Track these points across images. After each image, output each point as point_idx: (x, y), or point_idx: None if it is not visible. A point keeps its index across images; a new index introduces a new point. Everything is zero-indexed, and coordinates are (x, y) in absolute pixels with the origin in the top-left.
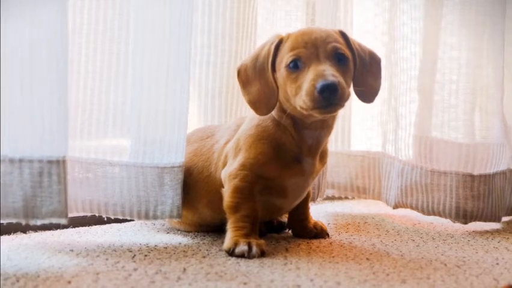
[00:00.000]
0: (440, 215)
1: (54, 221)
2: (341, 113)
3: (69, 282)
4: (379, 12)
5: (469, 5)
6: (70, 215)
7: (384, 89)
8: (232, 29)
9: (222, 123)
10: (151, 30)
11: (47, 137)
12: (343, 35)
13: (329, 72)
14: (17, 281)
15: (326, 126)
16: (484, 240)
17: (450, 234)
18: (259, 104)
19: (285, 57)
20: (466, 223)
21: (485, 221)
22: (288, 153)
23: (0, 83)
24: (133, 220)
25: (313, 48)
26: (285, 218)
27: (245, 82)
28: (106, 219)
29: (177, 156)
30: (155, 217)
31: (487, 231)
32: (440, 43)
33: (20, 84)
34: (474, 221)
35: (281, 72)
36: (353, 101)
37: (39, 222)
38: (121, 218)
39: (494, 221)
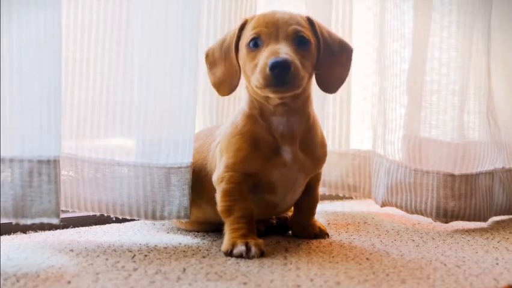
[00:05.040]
0: (422, 214)
1: (45, 220)
2: (332, 111)
3: (69, 282)
4: (369, 18)
5: (456, 7)
6: (78, 213)
7: (376, 87)
8: (224, 28)
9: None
10: (157, 28)
11: (37, 137)
12: (309, 20)
13: (284, 50)
14: (17, 281)
15: (293, 113)
16: (484, 240)
17: (450, 234)
18: (223, 85)
19: (246, 37)
20: (446, 222)
21: (468, 220)
22: (264, 144)
23: None
24: (134, 220)
25: (273, 28)
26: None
27: (211, 64)
28: (106, 219)
29: (184, 157)
30: (162, 217)
31: (486, 231)
32: (429, 45)
33: (11, 85)
34: (456, 220)
35: (242, 51)
36: (352, 100)
37: (29, 222)
38: (128, 218)
39: (478, 220)
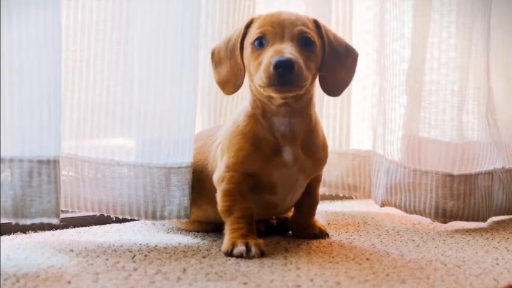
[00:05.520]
0: (421, 214)
1: (45, 220)
2: (332, 111)
3: (69, 282)
4: (369, 18)
5: (455, 8)
6: (78, 214)
7: (376, 87)
8: (222, 29)
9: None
10: (157, 28)
11: (37, 137)
12: (316, 23)
13: (288, 50)
14: (17, 281)
15: (295, 113)
16: (484, 240)
17: (450, 234)
18: (227, 83)
19: (251, 35)
20: (445, 222)
21: (467, 220)
22: (265, 144)
23: None
24: (134, 220)
25: (279, 28)
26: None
27: (217, 63)
28: (106, 219)
29: (184, 157)
30: (162, 217)
31: (487, 231)
32: (429, 45)
33: (11, 85)
34: (454, 220)
35: (247, 50)
36: (352, 100)
37: (29, 222)
38: (128, 218)
39: (477, 220)
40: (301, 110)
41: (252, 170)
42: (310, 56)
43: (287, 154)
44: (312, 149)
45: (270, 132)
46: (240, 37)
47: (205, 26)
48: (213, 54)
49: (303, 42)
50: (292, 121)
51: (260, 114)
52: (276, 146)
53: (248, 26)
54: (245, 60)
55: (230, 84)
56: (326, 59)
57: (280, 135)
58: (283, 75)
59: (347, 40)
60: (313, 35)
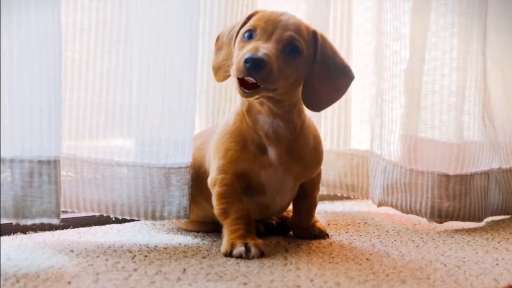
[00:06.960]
0: (417, 214)
1: (45, 220)
2: (331, 111)
3: (69, 282)
4: (368, 18)
5: (453, 8)
6: (78, 214)
7: (374, 87)
8: (220, 28)
9: None
10: (156, 29)
11: (37, 137)
12: (314, 34)
13: (264, 50)
14: (17, 281)
15: (277, 116)
16: (484, 240)
17: (450, 234)
18: (219, 70)
19: (246, 27)
20: (441, 222)
21: (462, 220)
22: (251, 143)
23: None
24: (134, 220)
25: (271, 27)
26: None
27: (219, 48)
28: (106, 219)
29: (184, 157)
30: (162, 218)
31: (487, 232)
32: (427, 45)
33: (11, 85)
34: (450, 220)
35: (237, 39)
36: (351, 100)
37: (29, 222)
38: (128, 218)
39: (473, 221)
40: (284, 114)
41: (241, 170)
42: (292, 63)
43: (272, 154)
44: (300, 154)
45: (254, 130)
46: (239, 27)
47: (202, 25)
48: (217, 38)
49: (289, 48)
50: (276, 122)
51: (246, 110)
52: (261, 146)
53: (250, 17)
54: (234, 50)
55: (221, 71)
56: (313, 72)
57: (264, 134)
58: (250, 71)
59: (345, 39)
60: (303, 44)
